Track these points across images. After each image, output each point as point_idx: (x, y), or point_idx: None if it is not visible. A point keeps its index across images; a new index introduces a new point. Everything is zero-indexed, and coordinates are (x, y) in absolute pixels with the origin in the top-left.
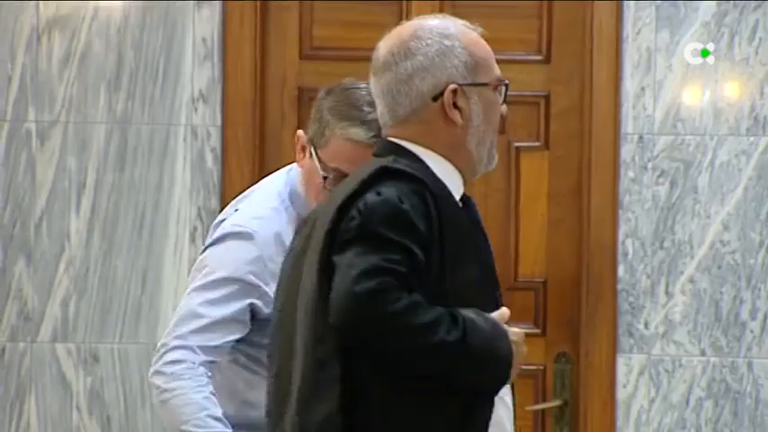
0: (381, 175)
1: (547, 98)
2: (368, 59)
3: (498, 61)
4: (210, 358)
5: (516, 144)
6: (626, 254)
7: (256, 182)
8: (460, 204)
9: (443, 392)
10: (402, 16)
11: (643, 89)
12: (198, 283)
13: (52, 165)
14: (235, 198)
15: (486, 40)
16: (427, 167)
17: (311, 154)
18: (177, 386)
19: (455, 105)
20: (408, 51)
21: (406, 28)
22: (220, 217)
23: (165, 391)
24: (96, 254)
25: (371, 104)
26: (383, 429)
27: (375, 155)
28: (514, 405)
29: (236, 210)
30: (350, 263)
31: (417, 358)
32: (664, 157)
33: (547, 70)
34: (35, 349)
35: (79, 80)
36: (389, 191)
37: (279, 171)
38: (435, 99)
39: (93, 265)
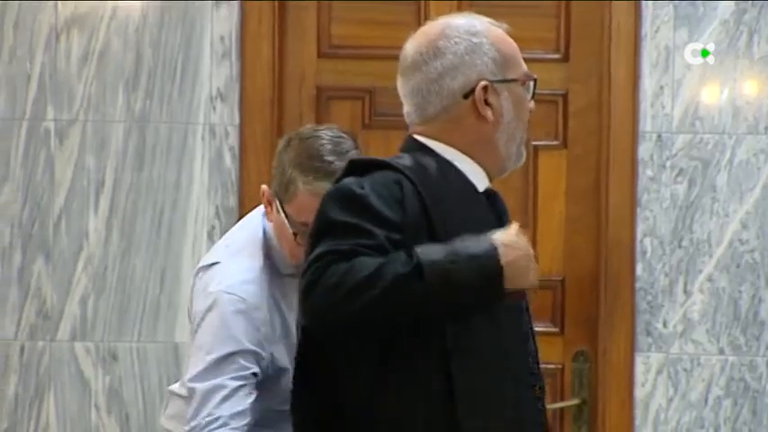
0: (353, 171)
1: (565, 97)
2: (385, 58)
3: None
4: (243, 422)
5: (534, 143)
6: (644, 252)
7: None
8: (484, 198)
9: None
10: (420, 15)
11: (662, 88)
12: (201, 367)
13: (71, 163)
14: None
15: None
16: (443, 162)
17: (277, 209)
18: None
19: (486, 102)
20: (437, 50)
21: (433, 27)
22: (199, 266)
23: None
24: (115, 252)
25: (334, 152)
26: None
27: (400, 150)
28: None
29: (217, 263)
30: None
31: (384, 308)
32: (682, 156)
33: (565, 69)
34: (54, 348)
35: (98, 79)
36: (354, 180)
37: (251, 218)
38: (466, 96)
39: (111, 263)
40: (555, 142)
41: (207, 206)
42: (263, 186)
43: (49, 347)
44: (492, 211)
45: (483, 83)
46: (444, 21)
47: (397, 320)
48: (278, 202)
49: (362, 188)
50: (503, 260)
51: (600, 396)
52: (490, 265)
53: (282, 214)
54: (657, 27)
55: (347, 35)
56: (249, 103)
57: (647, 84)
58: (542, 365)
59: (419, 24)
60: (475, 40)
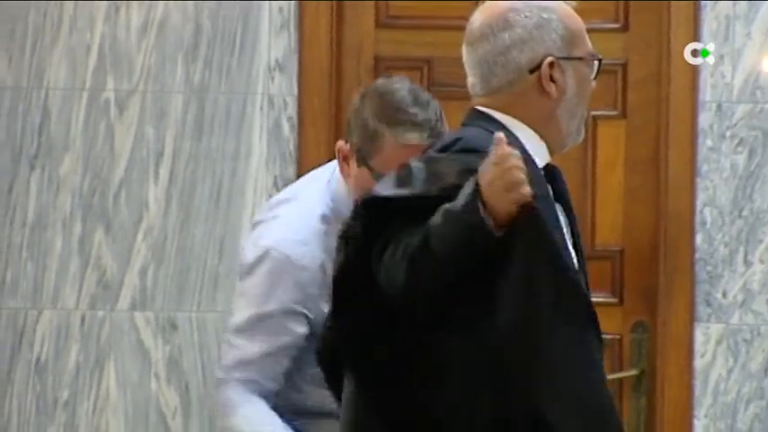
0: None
1: (624, 66)
2: (444, 28)
3: None
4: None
5: (593, 113)
6: (704, 223)
7: (332, 152)
8: (542, 172)
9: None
10: None
11: (722, 57)
12: (239, 320)
13: (130, 134)
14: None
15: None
16: (512, 135)
17: (359, 164)
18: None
19: (551, 78)
20: (506, 23)
21: (503, 1)
22: (259, 217)
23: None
24: (174, 223)
25: (417, 104)
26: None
27: (463, 123)
28: None
29: (275, 216)
30: None
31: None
32: (742, 126)
33: (624, 38)
34: (114, 318)
35: (157, 50)
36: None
37: (319, 176)
38: (532, 71)
39: (170, 233)
40: (614, 112)
41: (265, 176)
42: (340, 142)
43: (109, 317)
44: (551, 185)
45: (549, 59)
46: None
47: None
48: (361, 158)
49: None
50: (481, 187)
51: (659, 367)
52: (467, 200)
53: (367, 169)
54: None
55: (405, 5)
56: (307, 74)
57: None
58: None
59: None
60: (545, 15)
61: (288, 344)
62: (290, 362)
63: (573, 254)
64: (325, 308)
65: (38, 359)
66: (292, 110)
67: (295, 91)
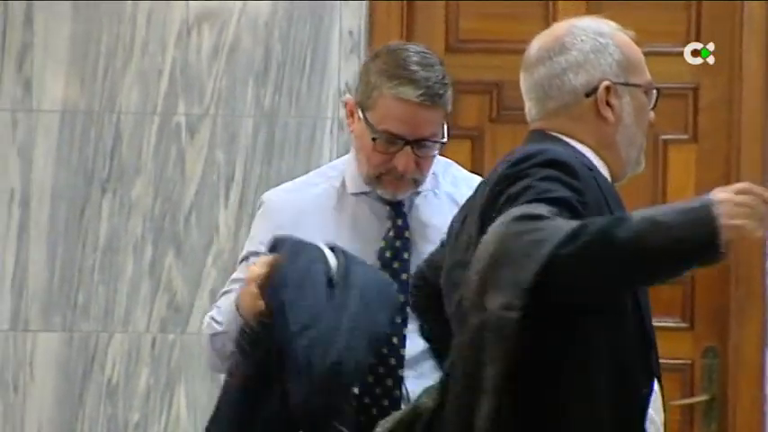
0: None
1: (695, 90)
2: (513, 52)
3: (646, 53)
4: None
5: (663, 137)
6: None
7: None
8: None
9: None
10: (548, 8)
11: None
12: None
13: (201, 158)
14: None
15: (634, 31)
16: (581, 153)
17: (359, 117)
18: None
19: (607, 103)
20: (563, 47)
21: (560, 26)
22: None
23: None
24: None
25: (420, 64)
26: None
27: (525, 142)
28: (663, 399)
29: None
30: None
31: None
32: None
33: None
34: (184, 340)
35: (228, 73)
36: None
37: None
38: (588, 95)
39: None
40: (685, 136)
41: None
42: (347, 96)
43: (179, 340)
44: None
45: (606, 83)
46: (572, 21)
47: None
48: (360, 110)
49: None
50: (716, 210)
51: (730, 392)
52: (702, 212)
53: (364, 120)
54: None
55: (475, 29)
56: None
57: None
58: (671, 361)
59: (546, 17)
60: (601, 40)
61: None
62: None
63: None
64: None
65: (109, 382)
66: None
67: None
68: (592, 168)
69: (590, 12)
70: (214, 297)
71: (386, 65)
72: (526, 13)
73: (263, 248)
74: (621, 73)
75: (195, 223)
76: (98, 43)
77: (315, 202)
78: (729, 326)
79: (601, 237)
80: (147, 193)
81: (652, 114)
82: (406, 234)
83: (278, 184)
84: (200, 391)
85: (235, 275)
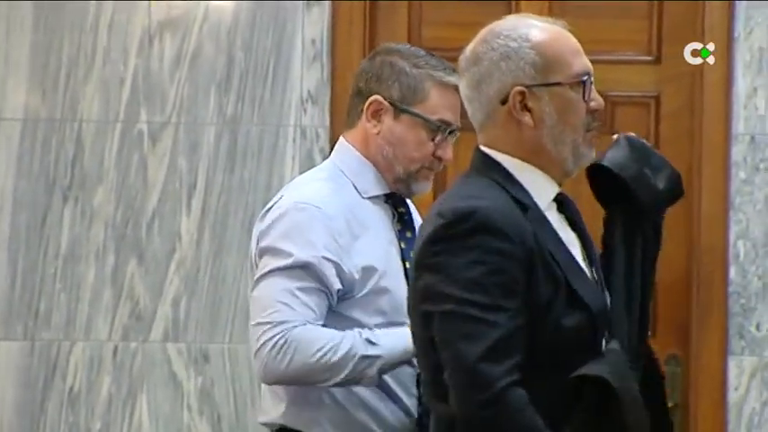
0: None
1: (657, 99)
2: None
3: (607, 62)
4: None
5: None
6: (737, 255)
7: None
8: (554, 205)
9: None
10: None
11: (755, 89)
12: (274, 265)
13: (163, 165)
14: None
15: (595, 40)
16: (514, 181)
17: (397, 115)
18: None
19: (526, 107)
20: (476, 57)
21: (481, 32)
22: (267, 207)
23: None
24: (207, 254)
25: (429, 53)
26: None
27: (471, 165)
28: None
29: (281, 197)
30: None
31: None
32: None
33: (657, 71)
34: (146, 349)
35: (190, 81)
36: None
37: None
38: (503, 102)
39: (203, 265)
40: None
41: None
42: (374, 96)
43: (141, 348)
44: (565, 217)
45: (517, 88)
46: (492, 25)
47: None
48: (399, 108)
49: None
50: None
51: (692, 400)
52: None
53: (405, 118)
54: (751, 28)
55: (438, 37)
56: (340, 106)
57: (741, 85)
58: None
59: None
60: (512, 44)
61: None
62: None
63: (592, 281)
64: (353, 262)
65: (71, 390)
66: (324, 141)
67: (327, 122)
68: (525, 204)
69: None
70: (176, 305)
71: (418, 59)
72: (489, 21)
73: (330, 254)
74: (537, 74)
75: (157, 231)
76: (59, 51)
77: (352, 208)
78: (691, 334)
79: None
80: (109, 200)
81: (595, 102)
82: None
83: (240, 192)
84: (161, 400)
85: (301, 284)
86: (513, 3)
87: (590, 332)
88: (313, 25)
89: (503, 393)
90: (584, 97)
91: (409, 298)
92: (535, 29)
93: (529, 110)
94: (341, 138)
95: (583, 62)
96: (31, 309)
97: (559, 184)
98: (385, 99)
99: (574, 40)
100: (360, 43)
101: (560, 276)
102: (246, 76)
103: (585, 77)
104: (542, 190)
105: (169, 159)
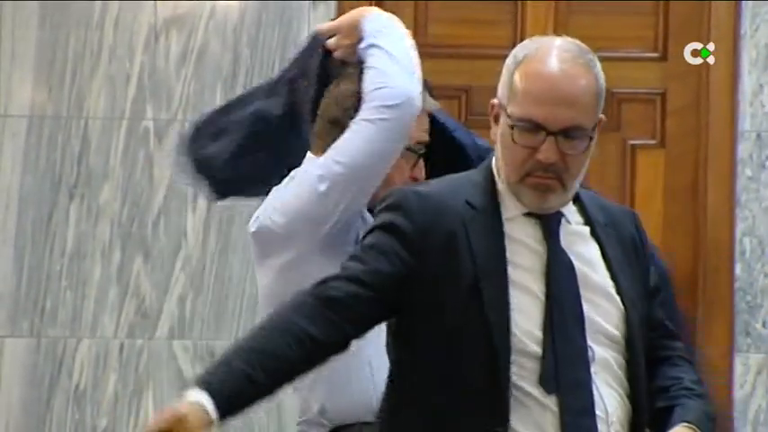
0: None
1: (663, 96)
2: (482, 57)
3: (614, 59)
4: None
5: (632, 142)
6: (743, 252)
7: None
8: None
9: None
10: (517, 14)
11: (761, 86)
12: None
13: (169, 162)
14: None
15: (601, 37)
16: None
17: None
18: None
19: (496, 119)
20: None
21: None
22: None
23: None
24: (212, 251)
25: None
26: None
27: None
28: None
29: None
30: None
31: None
32: None
33: (663, 68)
34: (152, 346)
35: (196, 78)
36: None
37: None
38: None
39: (209, 262)
40: (653, 141)
41: None
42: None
43: (147, 346)
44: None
45: (493, 100)
46: (534, 38)
47: None
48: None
49: None
50: None
51: None
52: None
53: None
54: (757, 25)
55: (444, 34)
56: None
57: (747, 82)
58: None
59: (516, 24)
60: (510, 62)
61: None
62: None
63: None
64: None
65: (76, 387)
66: None
67: None
68: (472, 204)
69: (558, 20)
70: (182, 302)
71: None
72: (495, 19)
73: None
74: (506, 97)
75: (163, 228)
76: (66, 48)
77: None
78: (697, 331)
79: None
80: (115, 198)
81: (543, 155)
82: None
83: None
84: (167, 397)
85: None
86: (520, 2)
87: (487, 352)
88: (319, 22)
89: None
90: (512, 139)
91: None
92: (536, 55)
93: (496, 123)
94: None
95: (540, 112)
96: (38, 306)
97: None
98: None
99: (561, 91)
100: None
101: (468, 279)
102: (252, 73)
103: (521, 124)
104: (511, 201)
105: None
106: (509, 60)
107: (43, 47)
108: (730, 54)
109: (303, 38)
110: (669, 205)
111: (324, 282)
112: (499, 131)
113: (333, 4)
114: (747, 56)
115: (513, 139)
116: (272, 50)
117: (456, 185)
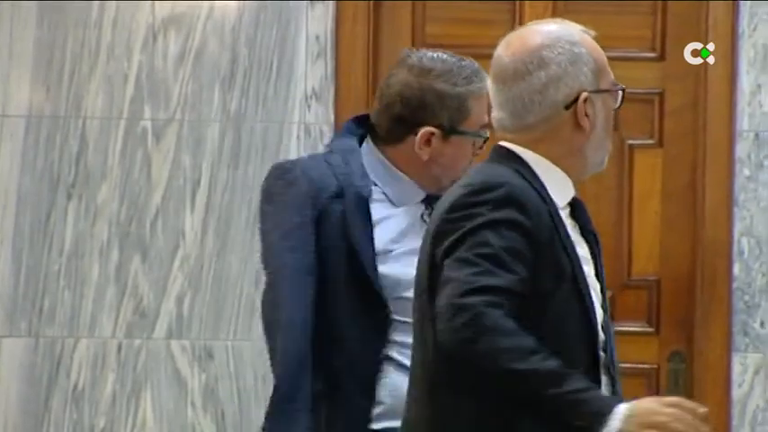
0: None
1: (661, 95)
2: (480, 56)
3: (612, 58)
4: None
5: (630, 142)
6: (741, 252)
7: None
8: (568, 208)
9: None
10: (515, 13)
11: (759, 86)
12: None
13: (167, 162)
14: None
15: (599, 37)
16: (534, 175)
17: (445, 138)
18: None
19: (586, 113)
20: (542, 60)
21: (532, 35)
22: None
23: None
24: (210, 251)
25: (458, 57)
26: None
27: (490, 158)
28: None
29: None
30: None
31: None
32: None
33: (661, 67)
34: (150, 346)
35: (194, 78)
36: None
37: None
38: (568, 107)
39: (207, 262)
40: (650, 141)
41: None
42: (426, 129)
43: (145, 345)
44: (575, 222)
45: (585, 94)
46: (540, 28)
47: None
48: (447, 131)
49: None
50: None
51: (696, 397)
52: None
53: (454, 139)
54: (755, 25)
55: (441, 34)
56: (344, 102)
57: (745, 82)
58: (637, 365)
59: (513, 23)
60: (576, 49)
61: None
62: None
63: (597, 286)
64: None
65: (75, 387)
66: (328, 138)
67: (331, 119)
68: (543, 196)
69: (556, 17)
70: (180, 302)
71: (453, 74)
72: (492, 19)
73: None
74: (594, 80)
75: (161, 228)
76: (63, 48)
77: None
78: (695, 330)
79: (546, 377)
80: (113, 197)
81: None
82: None
83: (244, 189)
84: (165, 397)
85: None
86: (518, 2)
87: (588, 336)
88: (317, 22)
89: (480, 313)
90: (619, 105)
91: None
92: (584, 34)
93: (587, 115)
94: (374, 148)
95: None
96: (36, 306)
97: None
98: (435, 127)
99: None
100: (364, 40)
101: (567, 269)
102: (250, 72)
103: (619, 86)
104: (562, 190)
105: (173, 156)
106: (563, 48)
107: (41, 47)
108: (728, 54)
109: (301, 37)
110: (667, 205)
111: (498, 305)
112: (602, 115)
113: (331, 4)
114: (745, 56)
115: (617, 106)
116: (270, 50)
117: (505, 171)
